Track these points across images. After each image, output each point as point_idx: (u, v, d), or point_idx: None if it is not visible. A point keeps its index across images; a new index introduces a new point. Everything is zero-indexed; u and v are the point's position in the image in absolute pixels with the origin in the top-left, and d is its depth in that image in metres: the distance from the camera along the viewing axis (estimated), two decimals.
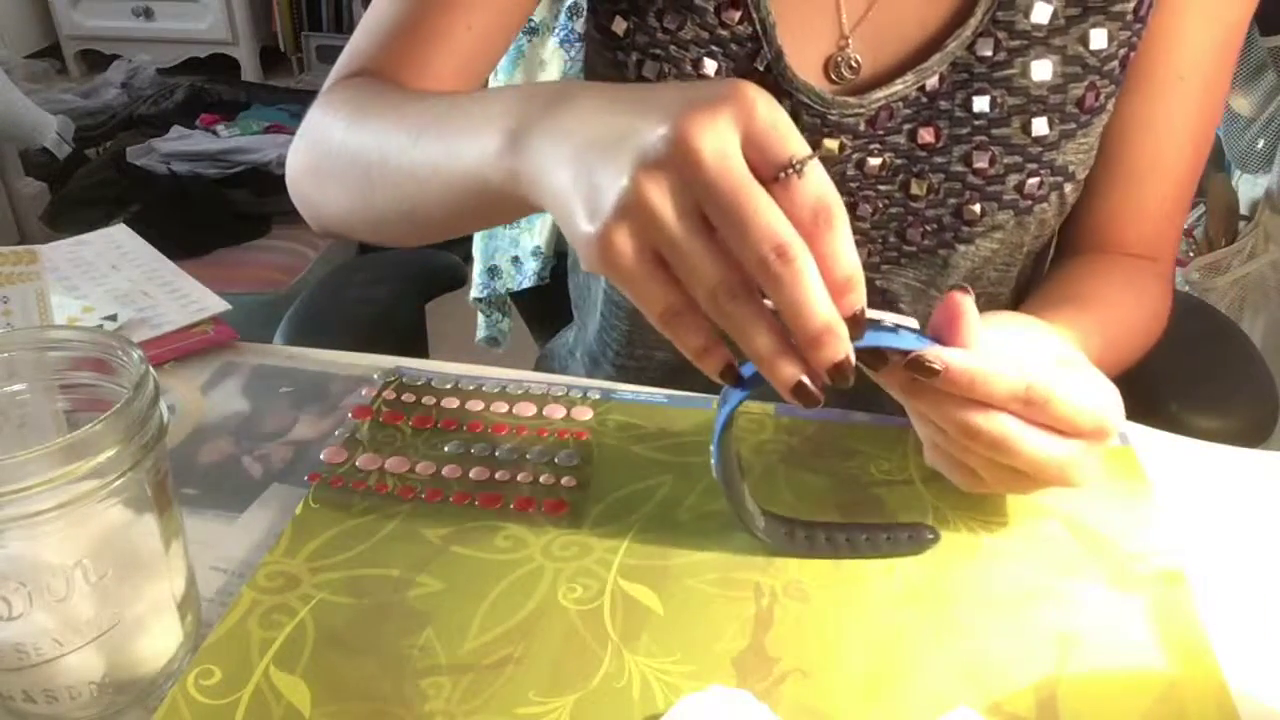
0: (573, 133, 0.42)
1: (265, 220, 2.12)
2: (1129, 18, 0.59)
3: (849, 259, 0.39)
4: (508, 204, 0.47)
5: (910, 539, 0.49)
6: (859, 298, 0.40)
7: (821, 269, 0.38)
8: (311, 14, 3.28)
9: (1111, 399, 0.47)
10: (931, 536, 0.50)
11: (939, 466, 0.50)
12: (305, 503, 0.52)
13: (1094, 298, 0.60)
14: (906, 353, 0.44)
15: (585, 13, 0.65)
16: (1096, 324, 0.56)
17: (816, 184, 0.38)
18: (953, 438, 0.46)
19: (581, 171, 0.40)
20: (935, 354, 0.43)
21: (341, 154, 0.57)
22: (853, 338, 0.40)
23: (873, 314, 0.42)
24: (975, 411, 0.44)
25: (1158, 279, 0.66)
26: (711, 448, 0.47)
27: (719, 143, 0.38)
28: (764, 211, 0.37)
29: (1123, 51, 0.60)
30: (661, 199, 0.38)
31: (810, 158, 0.38)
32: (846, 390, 0.40)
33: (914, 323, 0.45)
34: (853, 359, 0.39)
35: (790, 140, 0.38)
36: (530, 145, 0.44)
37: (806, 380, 0.40)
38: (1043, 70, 0.59)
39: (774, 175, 0.38)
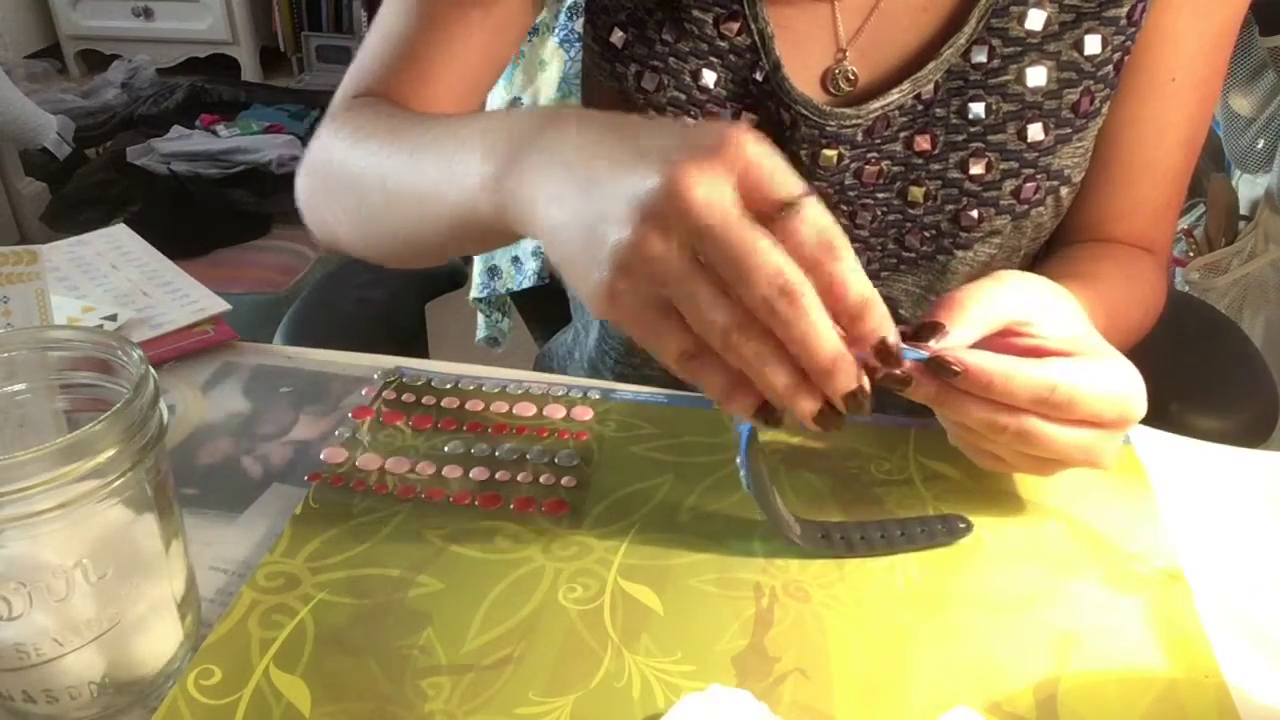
0: (560, 171, 0.42)
1: (265, 220, 2.12)
2: (1123, 22, 0.59)
3: (861, 283, 0.39)
4: (497, 233, 0.47)
5: (945, 530, 0.50)
6: (878, 323, 0.40)
7: (835, 296, 0.39)
8: (311, 14, 3.28)
9: (1134, 383, 0.47)
10: (964, 526, 0.50)
11: (963, 449, 0.50)
12: (305, 503, 0.52)
13: (1093, 276, 0.60)
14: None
15: (584, 22, 0.66)
16: (1100, 300, 0.55)
17: (816, 217, 0.39)
18: (978, 431, 0.47)
19: (577, 217, 0.40)
20: (956, 355, 0.44)
21: (342, 177, 0.57)
22: (886, 365, 0.40)
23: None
24: (1000, 411, 0.45)
25: (1153, 267, 0.66)
26: (738, 460, 0.47)
27: (713, 191, 0.38)
28: (764, 253, 0.38)
29: (1117, 55, 0.60)
30: (663, 250, 0.38)
31: (806, 194, 0.39)
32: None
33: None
34: (867, 387, 0.40)
35: (785, 181, 0.39)
36: (517, 180, 0.44)
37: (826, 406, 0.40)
38: (1037, 76, 0.59)
39: (773, 216, 0.38)
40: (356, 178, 0.56)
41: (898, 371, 0.43)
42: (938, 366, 0.44)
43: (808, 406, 0.40)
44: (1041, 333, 0.46)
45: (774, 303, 0.38)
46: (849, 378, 0.39)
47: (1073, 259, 0.64)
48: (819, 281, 0.38)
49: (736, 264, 0.38)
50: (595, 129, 0.42)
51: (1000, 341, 0.46)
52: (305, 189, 0.62)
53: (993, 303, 0.46)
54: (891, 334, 0.40)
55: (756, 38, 0.61)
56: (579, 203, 0.41)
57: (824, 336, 0.38)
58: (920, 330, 0.45)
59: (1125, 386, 0.46)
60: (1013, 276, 0.48)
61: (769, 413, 0.41)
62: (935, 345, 0.44)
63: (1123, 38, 0.59)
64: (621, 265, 0.39)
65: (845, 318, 0.39)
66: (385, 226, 0.55)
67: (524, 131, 0.45)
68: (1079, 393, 0.44)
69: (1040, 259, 0.71)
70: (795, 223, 0.38)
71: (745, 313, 0.38)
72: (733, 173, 0.38)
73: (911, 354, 0.44)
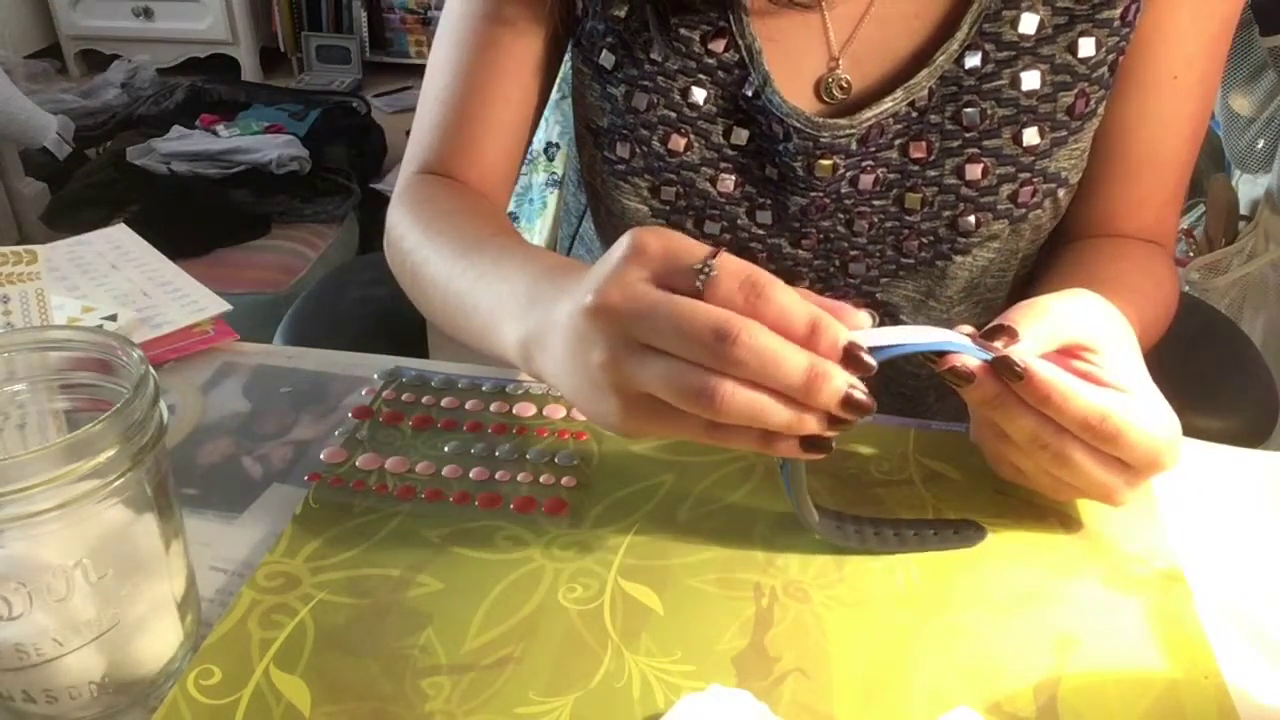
0: (554, 342, 0.45)
1: (265, 220, 2.11)
2: (1116, 23, 0.59)
3: (799, 308, 0.40)
4: None
5: (958, 535, 0.50)
6: (834, 337, 0.40)
7: (782, 330, 0.40)
8: (311, 14, 3.28)
9: (1175, 434, 0.47)
10: (978, 533, 0.50)
11: (987, 453, 0.51)
12: (305, 503, 0.52)
13: (1117, 280, 0.59)
14: (941, 355, 0.45)
15: (571, 48, 0.66)
16: (1132, 309, 0.55)
17: (731, 267, 0.41)
18: (1017, 442, 0.47)
19: (573, 376, 0.44)
20: (1022, 359, 0.44)
21: (413, 273, 0.63)
22: (861, 373, 0.40)
23: (912, 331, 0.43)
24: (1047, 428, 0.45)
25: (1165, 263, 0.66)
26: None
27: (627, 286, 0.41)
28: (689, 310, 0.40)
29: (1111, 57, 0.60)
30: (621, 360, 0.41)
31: (714, 255, 0.41)
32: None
33: (956, 335, 0.45)
34: (859, 391, 0.40)
35: (690, 251, 0.41)
36: (536, 359, 0.48)
37: (848, 401, 0.40)
38: (1031, 80, 0.59)
39: (692, 287, 0.40)
40: (424, 288, 0.61)
41: (961, 367, 0.45)
42: (1002, 366, 0.44)
43: (815, 426, 0.41)
44: (1102, 363, 0.47)
45: (718, 351, 0.39)
46: (834, 388, 0.40)
47: (1092, 260, 0.64)
48: (763, 321, 0.40)
49: (670, 332, 0.40)
50: (564, 295, 0.46)
51: (1058, 359, 0.47)
52: (388, 253, 0.67)
53: (1066, 320, 0.46)
54: (844, 338, 0.41)
55: (744, 53, 0.61)
56: (568, 367, 0.44)
57: (784, 360, 0.39)
58: (990, 332, 0.46)
59: (1167, 435, 0.46)
60: (1087, 297, 0.49)
61: (815, 444, 0.42)
62: (1002, 349, 0.45)
63: (1117, 39, 0.59)
64: (614, 385, 0.42)
65: (802, 344, 0.40)
66: (453, 334, 0.60)
67: (531, 317, 0.48)
68: (1126, 429, 0.45)
69: (1039, 257, 0.71)
70: (715, 281, 0.40)
71: (710, 374, 0.40)
72: (644, 267, 0.41)
73: (979, 353, 0.45)
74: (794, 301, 0.40)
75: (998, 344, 0.45)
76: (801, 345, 0.40)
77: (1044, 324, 0.46)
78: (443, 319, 0.60)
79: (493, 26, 0.65)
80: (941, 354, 0.45)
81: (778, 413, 0.40)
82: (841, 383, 0.40)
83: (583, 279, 0.44)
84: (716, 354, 0.39)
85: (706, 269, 0.40)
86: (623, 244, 0.42)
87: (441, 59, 0.68)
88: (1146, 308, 0.59)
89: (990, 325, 0.46)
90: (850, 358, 0.40)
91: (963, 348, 0.44)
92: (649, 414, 0.42)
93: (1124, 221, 0.66)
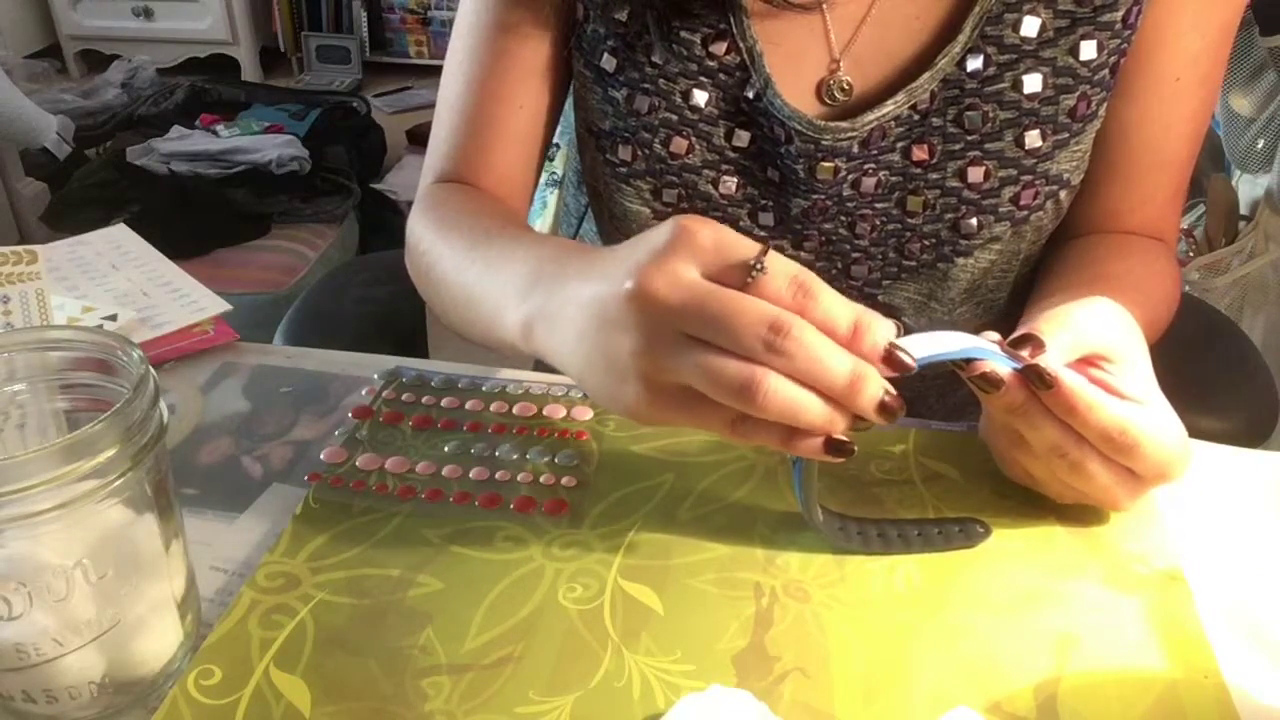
0: (568, 337, 0.45)
1: (265, 220, 2.11)
2: (1118, 26, 0.59)
3: (845, 311, 0.41)
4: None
5: (961, 533, 0.50)
6: (877, 336, 0.41)
7: (828, 332, 0.40)
8: (311, 14, 3.28)
9: (1184, 448, 0.47)
10: (982, 530, 0.50)
11: (997, 455, 0.52)
12: (305, 503, 0.52)
13: (1124, 278, 0.60)
14: (969, 362, 0.45)
15: (573, 52, 0.66)
16: (1136, 305, 0.55)
17: (781, 267, 0.41)
18: (1036, 450, 0.48)
19: (591, 358, 0.44)
20: (1053, 369, 0.45)
21: (426, 274, 0.63)
22: (900, 371, 0.41)
23: (941, 337, 0.44)
24: (1069, 438, 0.46)
25: (1167, 257, 0.67)
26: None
27: (673, 275, 0.40)
28: (742, 303, 0.40)
29: (1113, 59, 0.60)
30: (658, 348, 0.41)
31: (765, 253, 0.41)
32: None
33: (985, 342, 0.46)
34: (893, 395, 0.41)
35: (739, 246, 0.41)
36: (539, 336, 0.48)
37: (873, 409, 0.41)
38: (1033, 83, 0.59)
39: (742, 282, 0.41)
40: (436, 286, 0.62)
41: (989, 372, 0.45)
42: (1033, 375, 0.45)
43: (841, 426, 0.41)
44: (1119, 372, 0.47)
45: (771, 343, 0.39)
46: (872, 392, 0.40)
47: (1097, 258, 0.64)
48: (810, 322, 0.40)
49: (719, 323, 0.40)
50: (584, 266, 0.46)
51: (1077, 367, 0.47)
52: (409, 263, 0.68)
53: (1088, 329, 0.47)
54: (885, 339, 0.41)
55: (745, 56, 0.61)
56: (587, 347, 0.44)
57: (831, 359, 0.40)
58: (1017, 341, 0.46)
59: (1178, 448, 0.47)
60: (1105, 306, 0.49)
61: (838, 446, 0.42)
62: (1029, 358, 0.45)
63: (1118, 41, 0.59)
64: (642, 373, 0.41)
65: (846, 346, 0.40)
66: (463, 329, 0.60)
67: (536, 296, 0.48)
68: (1143, 441, 0.45)
69: (1042, 254, 0.71)
70: (764, 279, 0.40)
71: (755, 367, 0.40)
72: (691, 257, 0.41)
73: (1006, 361, 0.45)
74: (840, 303, 0.41)
75: (1024, 353, 0.46)
76: (845, 345, 0.40)
77: (1068, 333, 0.47)
78: (452, 314, 0.60)
79: (502, 35, 0.66)
80: (969, 360, 0.45)
81: (814, 410, 0.40)
82: (878, 388, 0.40)
83: (609, 261, 0.44)
84: (769, 346, 0.39)
85: (759, 266, 0.41)
86: (666, 230, 0.42)
87: (454, 69, 0.68)
88: (1150, 305, 0.59)
89: (1016, 334, 0.47)
90: (891, 358, 0.41)
91: (990, 355, 0.45)
92: (675, 404, 0.42)
93: (1127, 219, 0.66)
